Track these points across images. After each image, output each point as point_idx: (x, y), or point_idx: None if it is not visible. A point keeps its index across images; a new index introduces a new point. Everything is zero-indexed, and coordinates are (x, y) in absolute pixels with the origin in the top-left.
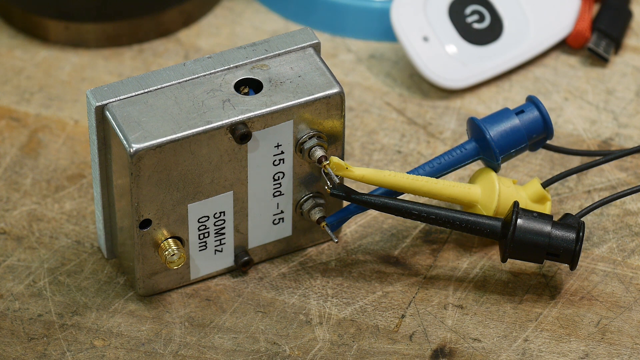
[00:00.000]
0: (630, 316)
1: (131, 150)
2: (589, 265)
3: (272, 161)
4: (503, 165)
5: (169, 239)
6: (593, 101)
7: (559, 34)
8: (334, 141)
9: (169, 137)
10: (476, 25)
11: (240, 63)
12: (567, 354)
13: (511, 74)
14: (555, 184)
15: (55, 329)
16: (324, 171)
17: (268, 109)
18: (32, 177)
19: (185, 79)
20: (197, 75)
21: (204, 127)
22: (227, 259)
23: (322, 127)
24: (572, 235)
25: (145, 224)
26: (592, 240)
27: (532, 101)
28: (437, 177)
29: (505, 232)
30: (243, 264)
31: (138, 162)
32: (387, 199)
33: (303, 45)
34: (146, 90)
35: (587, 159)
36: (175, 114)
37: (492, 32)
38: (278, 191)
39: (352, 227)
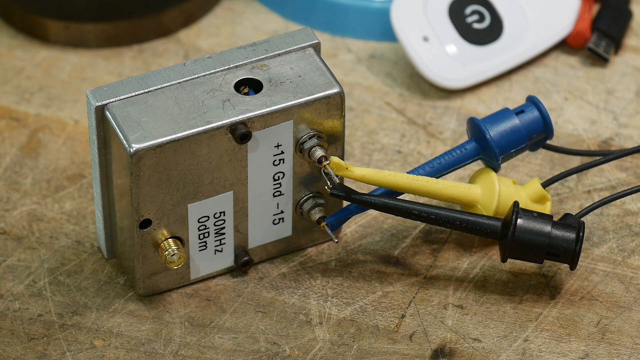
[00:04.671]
0: (630, 316)
1: (131, 150)
2: (589, 265)
3: (272, 161)
4: (503, 165)
5: (169, 239)
6: (593, 101)
7: (559, 34)
8: (334, 141)
9: (169, 137)
10: (476, 25)
11: (240, 63)
12: (567, 354)
13: (511, 74)
14: (555, 184)
15: (55, 329)
16: (324, 171)
17: (268, 109)
18: (32, 177)
19: (185, 79)
20: (197, 75)
21: (204, 127)
22: (227, 259)
23: (322, 127)
24: (572, 235)
25: (145, 224)
26: (592, 240)
27: (532, 101)
28: (437, 177)
29: (505, 232)
30: (243, 264)
31: (138, 162)
32: (387, 199)
33: (303, 45)
34: (146, 90)
35: (587, 159)
36: (175, 114)
37: (492, 32)
38: (278, 191)
39: (352, 227)
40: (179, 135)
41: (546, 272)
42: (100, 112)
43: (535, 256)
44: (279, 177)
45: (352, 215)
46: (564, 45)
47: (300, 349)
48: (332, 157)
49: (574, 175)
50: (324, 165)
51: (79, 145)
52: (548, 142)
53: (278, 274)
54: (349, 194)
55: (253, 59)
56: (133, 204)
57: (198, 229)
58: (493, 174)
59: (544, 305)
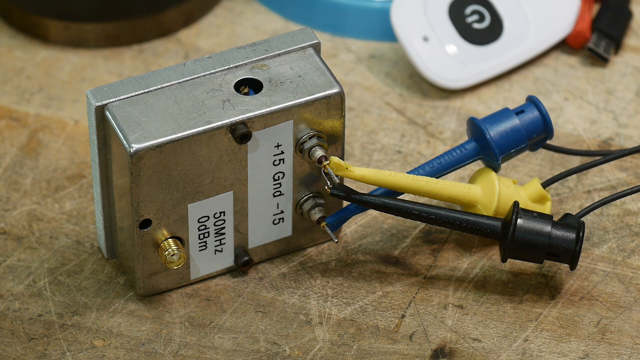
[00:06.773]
0: (630, 316)
1: (131, 150)
2: (589, 265)
3: (272, 161)
4: (503, 165)
5: (169, 239)
6: (593, 101)
7: (559, 34)
8: (334, 141)
9: (169, 137)
10: (476, 25)
11: (240, 63)
12: (567, 354)
13: (511, 74)
14: (555, 184)
15: (55, 329)
16: (324, 171)
17: (268, 109)
18: (32, 177)
19: (185, 79)
20: (197, 75)
21: (204, 127)
22: (227, 259)
23: (322, 127)
24: (572, 235)
25: (145, 224)
26: (592, 240)
27: (532, 101)
28: (437, 177)
29: (505, 232)
30: (243, 264)
31: (138, 162)
32: (387, 199)
33: (303, 45)
34: (146, 90)
35: (587, 159)
36: (175, 114)
37: (492, 32)
38: (278, 191)
39: (352, 227)
40: (179, 135)
41: (546, 272)
42: (100, 112)
43: (535, 256)
44: (279, 177)
45: (352, 215)
46: (564, 45)
47: (300, 349)
48: (332, 157)
49: (574, 175)
50: (324, 165)
51: (79, 145)
52: (548, 142)
53: (278, 274)
54: (349, 194)
55: (253, 59)
56: (133, 204)
57: (198, 229)
58: (493, 174)
59: (544, 305)
